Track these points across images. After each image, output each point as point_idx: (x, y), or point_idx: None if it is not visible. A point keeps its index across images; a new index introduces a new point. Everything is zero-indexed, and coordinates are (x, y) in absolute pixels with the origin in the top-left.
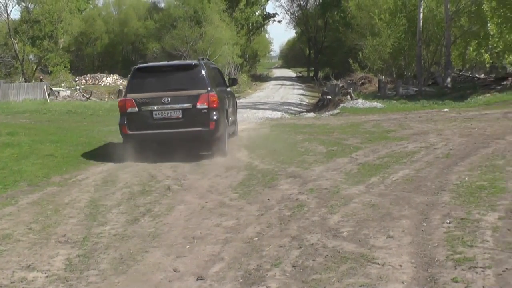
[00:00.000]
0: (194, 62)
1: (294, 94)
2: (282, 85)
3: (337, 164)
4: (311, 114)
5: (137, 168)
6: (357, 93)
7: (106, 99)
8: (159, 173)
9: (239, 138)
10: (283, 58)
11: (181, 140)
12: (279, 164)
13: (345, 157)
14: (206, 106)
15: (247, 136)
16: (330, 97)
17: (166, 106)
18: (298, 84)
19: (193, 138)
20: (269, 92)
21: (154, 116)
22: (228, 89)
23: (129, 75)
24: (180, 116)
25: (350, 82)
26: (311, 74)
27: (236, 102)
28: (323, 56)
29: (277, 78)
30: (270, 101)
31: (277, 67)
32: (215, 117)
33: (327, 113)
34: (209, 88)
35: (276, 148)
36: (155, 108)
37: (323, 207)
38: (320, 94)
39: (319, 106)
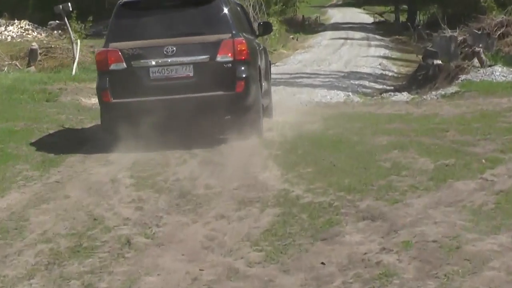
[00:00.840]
0: None
1: (370, 56)
2: (346, 39)
3: (455, 193)
4: (404, 95)
5: (66, 202)
6: (493, 55)
7: (5, 69)
8: (109, 213)
9: (266, 143)
10: None
11: (194, 112)
12: (342, 194)
13: (471, 180)
14: (230, 58)
15: (281, 138)
16: (439, 62)
17: (169, 59)
18: (378, 36)
19: (211, 108)
20: (322, 52)
21: (151, 75)
22: (257, 41)
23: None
24: (191, 74)
25: (479, 33)
26: (403, 19)
27: (270, 62)
28: None
29: (336, 27)
30: (323, 71)
31: (336, 5)
32: (244, 75)
33: (434, 92)
34: (234, 32)
35: (335, 161)
36: (153, 63)
37: (430, 279)
38: (420, 57)
39: (418, 80)
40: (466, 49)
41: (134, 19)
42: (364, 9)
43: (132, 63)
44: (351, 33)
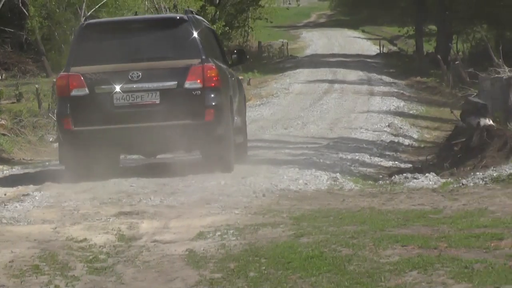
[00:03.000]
0: (178, 15)
1: (374, 112)
2: (333, 82)
3: None
4: (430, 179)
5: None
6: None
7: None
8: None
9: (196, 258)
10: None
11: (159, 141)
12: None
13: None
14: (199, 85)
15: (220, 250)
16: (489, 122)
17: (135, 85)
18: (387, 78)
19: (177, 137)
20: (291, 105)
21: (115, 101)
22: (231, 70)
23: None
24: (158, 101)
25: None
26: (429, 48)
27: (245, 96)
28: None
29: (316, 61)
30: (294, 137)
31: (316, 24)
32: (213, 103)
33: (480, 174)
34: (203, 57)
35: None
36: (117, 89)
37: None
38: (457, 114)
39: (454, 153)
40: None
41: (97, 42)
42: (363, 31)
43: (95, 88)
44: (342, 73)
